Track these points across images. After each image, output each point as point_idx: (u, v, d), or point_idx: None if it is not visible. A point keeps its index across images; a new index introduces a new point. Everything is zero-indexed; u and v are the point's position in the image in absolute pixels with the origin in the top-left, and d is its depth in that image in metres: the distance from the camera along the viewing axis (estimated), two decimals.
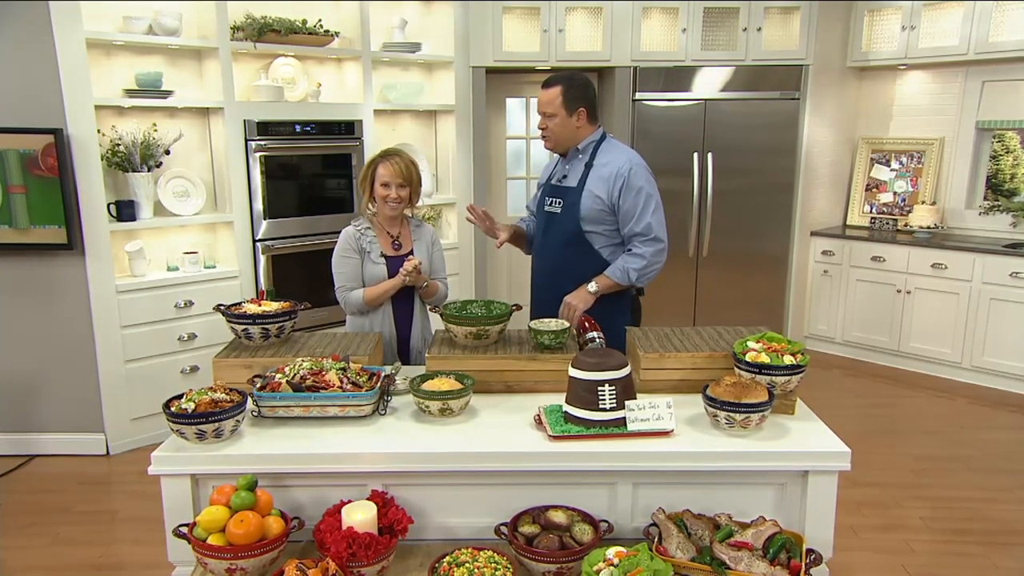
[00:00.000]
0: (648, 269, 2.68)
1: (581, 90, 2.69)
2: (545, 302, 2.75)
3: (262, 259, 4.24)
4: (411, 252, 2.85)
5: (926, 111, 5.39)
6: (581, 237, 2.71)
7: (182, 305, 3.97)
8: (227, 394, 1.91)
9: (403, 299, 2.83)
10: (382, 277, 2.76)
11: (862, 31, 5.25)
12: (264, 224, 4.23)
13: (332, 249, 2.81)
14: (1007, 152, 5.24)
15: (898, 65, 5.23)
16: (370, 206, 2.83)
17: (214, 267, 4.17)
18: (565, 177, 2.78)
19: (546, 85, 2.69)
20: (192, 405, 1.84)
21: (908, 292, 5.07)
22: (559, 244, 2.76)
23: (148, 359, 3.91)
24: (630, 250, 2.69)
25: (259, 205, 4.19)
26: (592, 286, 2.67)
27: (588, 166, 2.72)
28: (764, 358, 1.99)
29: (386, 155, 2.77)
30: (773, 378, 1.97)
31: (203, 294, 3.99)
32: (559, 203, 2.76)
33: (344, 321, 2.91)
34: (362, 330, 2.76)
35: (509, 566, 1.69)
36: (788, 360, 1.99)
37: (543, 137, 2.77)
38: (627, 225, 2.67)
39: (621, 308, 2.78)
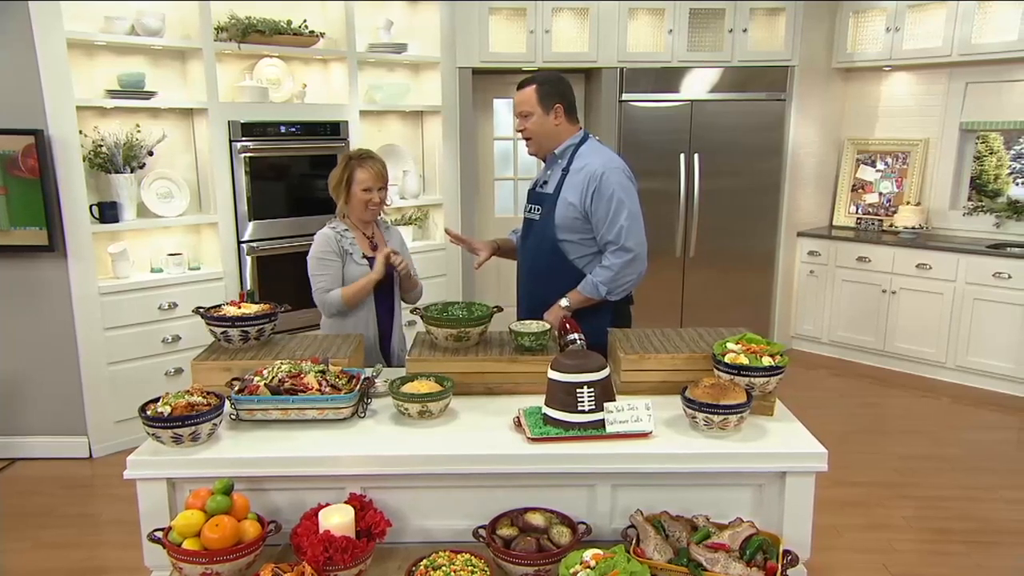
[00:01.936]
0: (618, 281, 2.56)
1: (555, 86, 2.61)
2: (528, 308, 2.71)
3: (248, 260, 4.23)
4: None
5: (911, 112, 5.42)
6: (556, 247, 2.62)
7: (166, 307, 3.95)
8: (204, 397, 1.90)
9: (385, 299, 2.82)
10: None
11: (847, 32, 5.27)
12: (250, 225, 4.21)
13: None
14: (991, 153, 5.28)
15: (883, 66, 5.26)
16: (345, 209, 2.80)
17: (199, 269, 4.15)
18: (545, 183, 2.73)
19: (520, 86, 2.64)
20: (168, 409, 1.83)
21: (893, 292, 5.10)
22: (536, 253, 2.70)
23: (132, 361, 3.89)
24: (600, 264, 2.59)
25: (244, 206, 4.17)
26: (564, 302, 2.57)
27: (565, 171, 2.63)
28: (743, 359, 1.99)
29: (361, 157, 2.75)
30: (752, 379, 1.97)
31: (187, 296, 3.97)
32: (538, 210, 2.71)
33: (316, 325, 2.89)
34: (342, 331, 2.74)
35: (486, 569, 1.69)
36: (767, 361, 1.99)
37: (525, 140, 2.70)
38: (599, 232, 2.57)
39: (601, 310, 2.67)
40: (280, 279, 4.33)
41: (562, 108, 2.62)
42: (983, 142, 5.28)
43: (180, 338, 4.00)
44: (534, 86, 2.60)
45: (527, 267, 2.78)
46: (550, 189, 2.68)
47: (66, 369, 3.75)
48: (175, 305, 3.96)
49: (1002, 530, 3.18)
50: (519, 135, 2.72)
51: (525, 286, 2.81)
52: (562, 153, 2.67)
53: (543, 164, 2.90)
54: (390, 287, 2.83)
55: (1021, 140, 5.22)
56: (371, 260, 2.78)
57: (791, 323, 5.66)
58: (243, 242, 4.20)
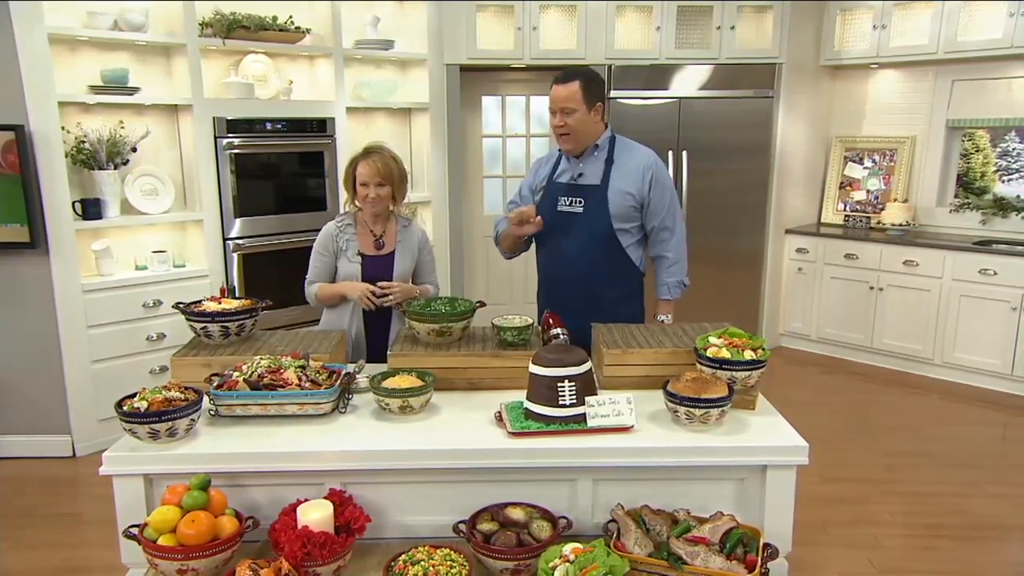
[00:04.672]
0: (686, 264, 2.79)
1: (599, 86, 2.65)
2: (561, 308, 2.51)
3: (234, 258, 4.20)
4: (393, 252, 2.79)
5: (898, 109, 5.44)
6: (611, 235, 2.67)
7: (150, 304, 3.92)
8: (182, 393, 1.88)
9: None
10: (355, 276, 2.72)
11: (834, 30, 5.29)
12: (236, 223, 4.19)
13: (305, 247, 2.80)
14: (977, 151, 5.30)
15: (870, 64, 5.27)
16: (356, 203, 2.78)
17: (183, 266, 4.12)
18: (582, 175, 2.70)
19: (563, 81, 2.60)
20: (145, 404, 1.82)
21: (881, 289, 5.11)
22: (585, 245, 2.67)
23: (115, 359, 3.85)
24: (663, 256, 2.75)
25: (230, 203, 4.14)
26: (668, 319, 2.76)
27: (609, 162, 2.67)
28: (725, 353, 1.99)
29: (366, 153, 2.72)
30: (734, 373, 1.97)
31: (172, 293, 3.94)
32: (580, 202, 2.68)
33: (318, 320, 2.88)
34: (334, 328, 2.71)
35: (465, 564, 1.68)
36: (748, 355, 1.99)
37: (562, 136, 2.65)
38: (657, 219, 2.70)
39: (634, 293, 2.82)
40: (266, 277, 4.30)
41: (602, 107, 2.67)
42: (969, 140, 5.30)
43: (165, 336, 3.97)
44: (579, 83, 2.58)
45: (571, 261, 2.71)
46: (594, 180, 2.68)
47: (49, 367, 3.72)
48: (159, 303, 3.93)
49: (988, 525, 3.19)
50: (557, 130, 2.65)
51: (564, 281, 2.74)
52: (602, 145, 2.71)
53: (545, 156, 2.89)
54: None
55: (1007, 137, 5.25)
56: (366, 258, 2.74)
57: (780, 320, 5.67)
58: (229, 239, 4.18)
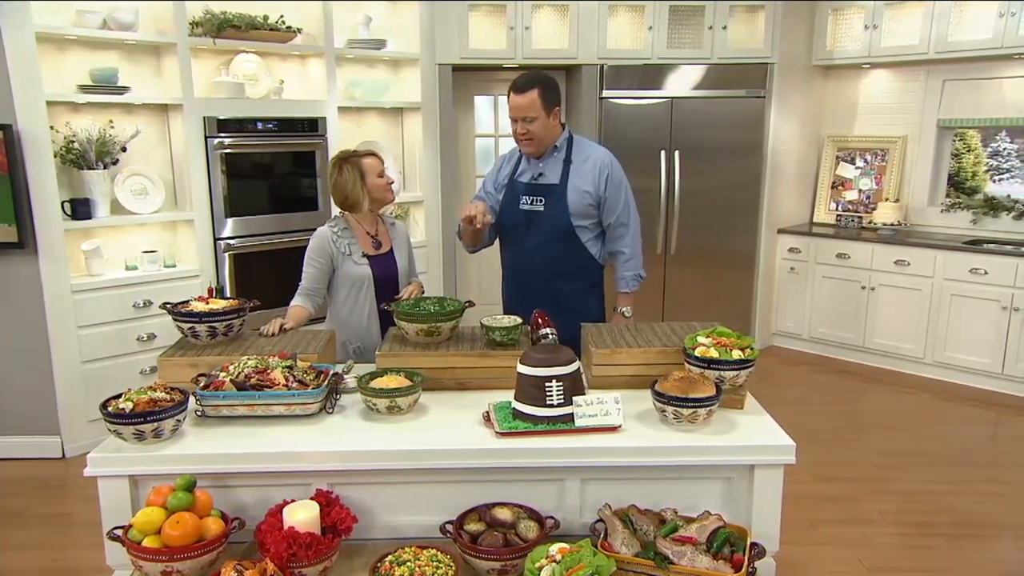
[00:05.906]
0: (640, 257, 2.87)
1: (555, 91, 2.72)
2: (525, 302, 2.65)
3: (225, 258, 4.18)
4: (391, 250, 2.82)
5: (889, 109, 5.45)
6: (571, 232, 2.76)
7: (141, 305, 3.90)
8: (168, 393, 1.87)
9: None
10: (365, 276, 2.72)
11: (826, 30, 5.29)
12: (227, 223, 4.17)
13: (297, 248, 2.79)
14: (968, 150, 5.32)
15: (862, 64, 5.28)
16: (366, 204, 2.75)
17: (174, 266, 4.11)
18: (542, 175, 2.78)
19: (521, 89, 2.65)
20: (130, 405, 1.80)
21: (872, 288, 5.12)
22: (546, 242, 2.77)
23: (106, 360, 3.84)
24: (620, 252, 2.84)
25: (220, 203, 4.13)
26: (627, 311, 2.85)
27: (567, 162, 2.76)
28: (713, 353, 1.99)
29: (355, 154, 2.75)
30: (722, 372, 1.97)
31: (163, 294, 3.92)
32: (541, 201, 2.78)
33: (322, 319, 2.87)
34: (344, 330, 2.72)
35: (452, 564, 1.67)
36: (736, 355, 1.99)
37: (524, 142, 2.73)
38: (613, 215, 2.79)
39: (591, 286, 2.89)
40: (258, 277, 4.29)
41: (559, 110, 2.75)
42: (960, 139, 5.32)
43: (155, 336, 3.96)
44: (537, 91, 2.65)
45: (534, 258, 2.80)
46: (553, 180, 2.78)
47: (38, 368, 3.70)
48: (150, 303, 3.91)
49: (979, 523, 3.19)
50: (519, 137, 2.74)
51: (527, 277, 2.84)
52: (561, 146, 2.80)
53: (506, 156, 2.95)
54: (394, 290, 2.78)
55: (998, 137, 5.27)
56: (372, 259, 2.74)
57: (772, 320, 5.68)
58: (220, 239, 4.16)
